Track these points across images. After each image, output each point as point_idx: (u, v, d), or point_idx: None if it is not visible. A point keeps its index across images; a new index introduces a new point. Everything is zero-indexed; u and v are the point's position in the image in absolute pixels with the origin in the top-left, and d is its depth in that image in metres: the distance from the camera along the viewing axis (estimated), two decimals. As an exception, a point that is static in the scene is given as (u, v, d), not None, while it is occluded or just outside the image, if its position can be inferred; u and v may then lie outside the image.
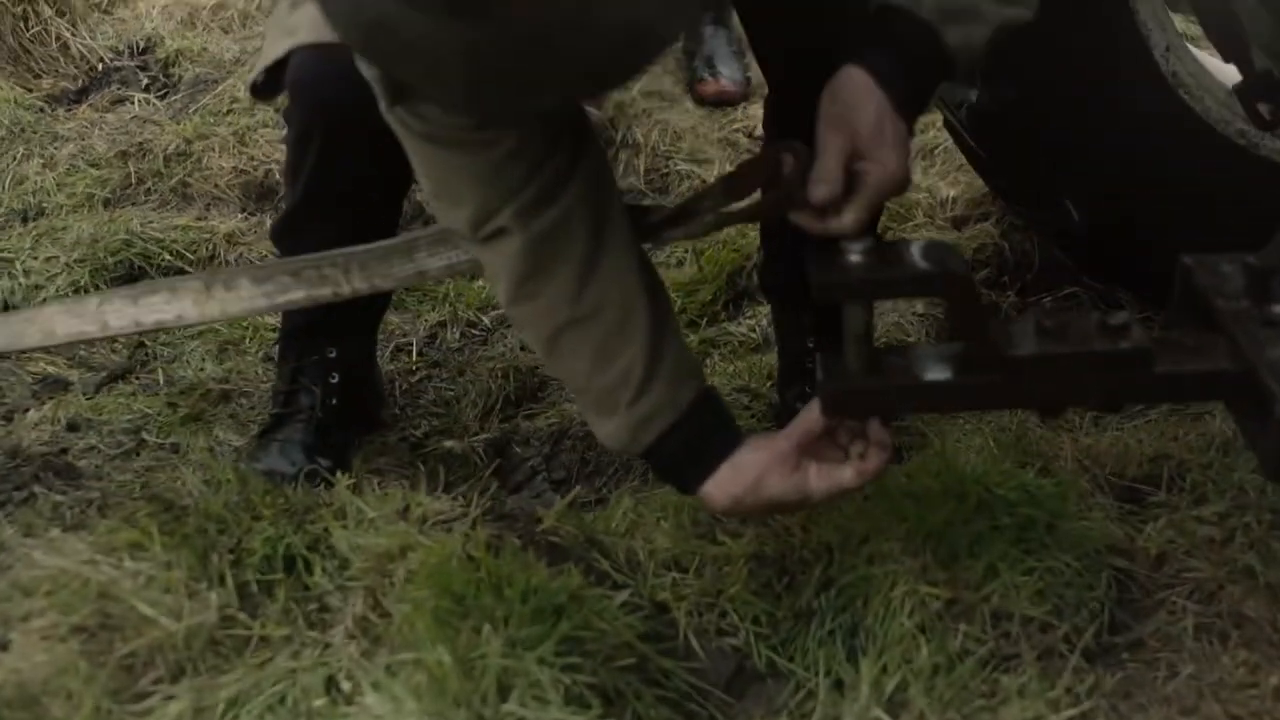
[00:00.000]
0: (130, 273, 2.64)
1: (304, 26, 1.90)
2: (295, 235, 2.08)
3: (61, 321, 1.86)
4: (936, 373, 1.61)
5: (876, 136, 1.56)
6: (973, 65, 1.64)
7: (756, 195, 1.72)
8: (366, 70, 1.52)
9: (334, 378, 2.16)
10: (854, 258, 1.56)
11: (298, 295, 1.84)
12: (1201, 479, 2.04)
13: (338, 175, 2.01)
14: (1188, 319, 1.70)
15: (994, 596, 1.76)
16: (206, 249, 2.72)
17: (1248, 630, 1.80)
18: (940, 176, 3.05)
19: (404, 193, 2.13)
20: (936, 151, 3.15)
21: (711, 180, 1.69)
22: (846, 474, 1.65)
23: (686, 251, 2.77)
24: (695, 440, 1.68)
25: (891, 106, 1.57)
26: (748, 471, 1.65)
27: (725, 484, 1.66)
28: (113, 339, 2.46)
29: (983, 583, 1.77)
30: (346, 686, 1.69)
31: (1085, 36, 2.27)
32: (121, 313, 1.83)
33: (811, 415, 1.65)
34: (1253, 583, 1.85)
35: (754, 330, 2.53)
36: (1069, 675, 1.71)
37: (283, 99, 2.03)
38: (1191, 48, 2.38)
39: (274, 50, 1.97)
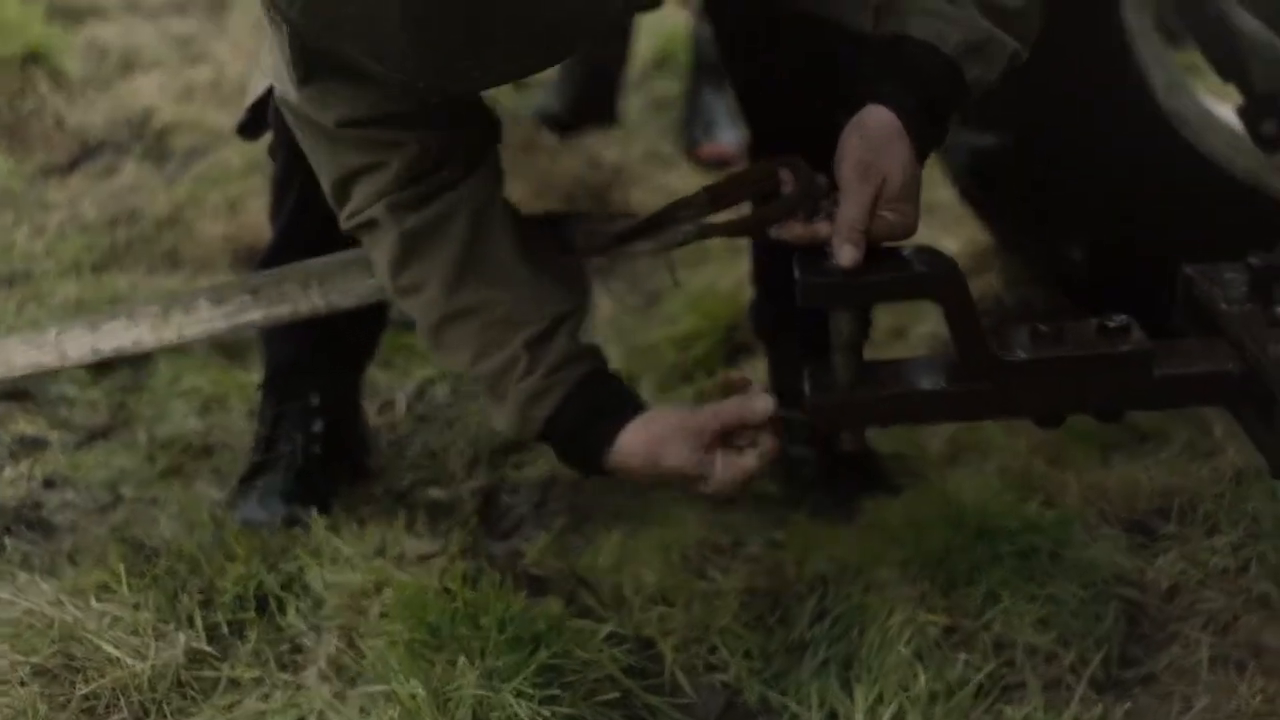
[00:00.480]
0: (116, 334, 2.60)
1: None
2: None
3: (20, 352, 1.83)
4: (930, 382, 1.54)
5: (905, 188, 1.50)
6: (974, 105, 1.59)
7: (744, 209, 1.67)
8: (279, 55, 1.50)
9: (316, 425, 2.10)
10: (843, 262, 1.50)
11: (255, 315, 1.80)
12: (1214, 510, 1.97)
13: (319, 215, 1.98)
14: (1191, 329, 1.65)
15: (995, 624, 1.68)
16: (194, 310, 2.68)
17: (1266, 659, 1.72)
18: (942, 229, 3.00)
19: None
20: (937, 205, 3.12)
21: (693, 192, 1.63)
22: (748, 458, 1.56)
23: (683, 306, 2.73)
24: (591, 410, 1.61)
25: (916, 153, 1.51)
26: (656, 428, 1.57)
27: (629, 442, 1.58)
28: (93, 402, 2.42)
29: (983, 610, 1.69)
30: (318, 727, 1.61)
31: (1083, 77, 2.24)
32: (79, 341, 1.78)
33: (750, 405, 1.56)
34: (1269, 612, 1.77)
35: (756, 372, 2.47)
36: (1076, 705, 1.63)
37: (269, 137, 2.00)
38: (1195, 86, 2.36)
39: (257, 88, 1.95)
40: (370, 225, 1.64)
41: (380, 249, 1.65)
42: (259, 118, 1.98)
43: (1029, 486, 1.98)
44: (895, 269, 1.51)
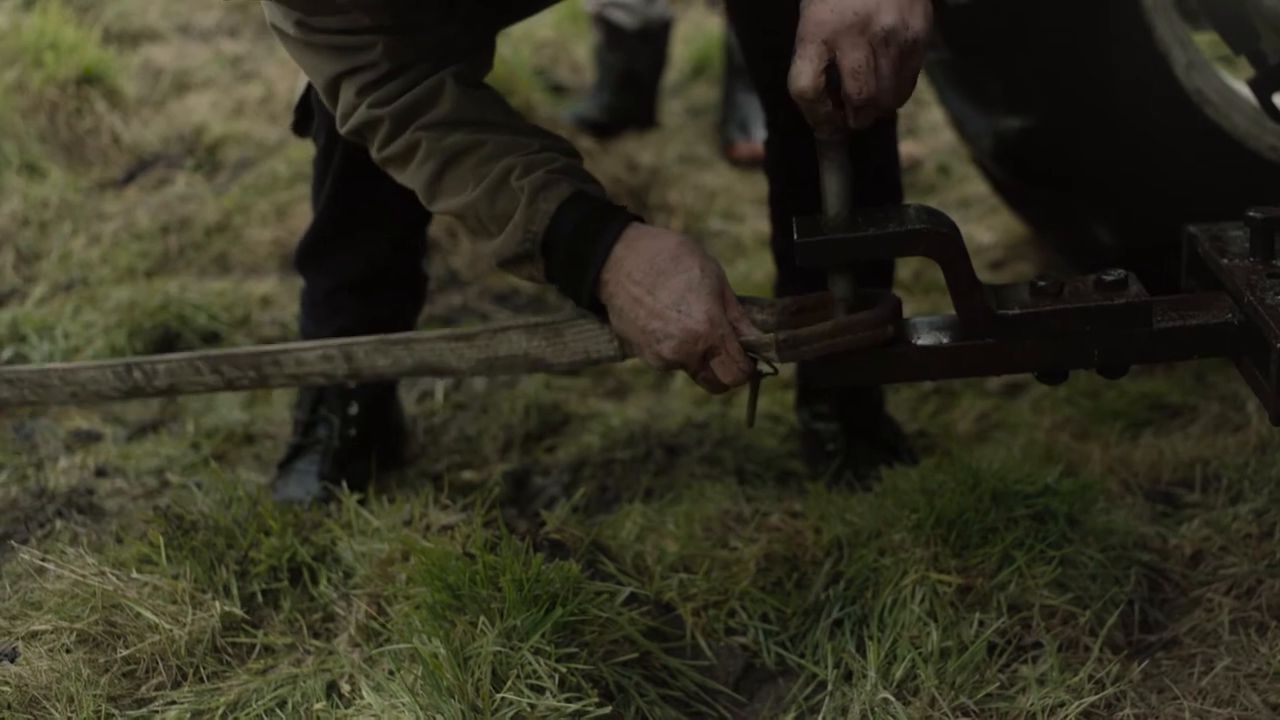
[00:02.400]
0: (166, 335, 2.68)
1: None
2: (316, 259, 2.12)
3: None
4: (931, 338, 1.57)
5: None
6: None
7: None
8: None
9: (353, 408, 2.16)
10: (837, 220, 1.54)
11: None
12: (1237, 479, 1.97)
13: (357, 195, 2.04)
14: (1195, 285, 1.66)
15: (1010, 585, 1.70)
16: (242, 310, 2.76)
17: (1288, 622, 1.72)
18: (977, 221, 3.03)
19: (425, 223, 2.16)
20: (972, 198, 3.14)
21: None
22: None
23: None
24: (595, 210, 1.62)
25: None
26: (666, 244, 1.59)
27: (636, 249, 1.59)
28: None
29: (997, 571, 1.71)
30: (346, 689, 1.66)
31: (1104, 58, 2.26)
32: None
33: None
34: (1292, 575, 1.77)
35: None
36: (1092, 664, 1.64)
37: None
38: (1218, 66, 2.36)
39: (300, 86, 2.04)
40: (362, 127, 1.71)
41: (372, 135, 1.72)
42: (306, 113, 2.06)
43: (1051, 459, 1.99)
44: (893, 225, 1.54)
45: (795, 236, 1.55)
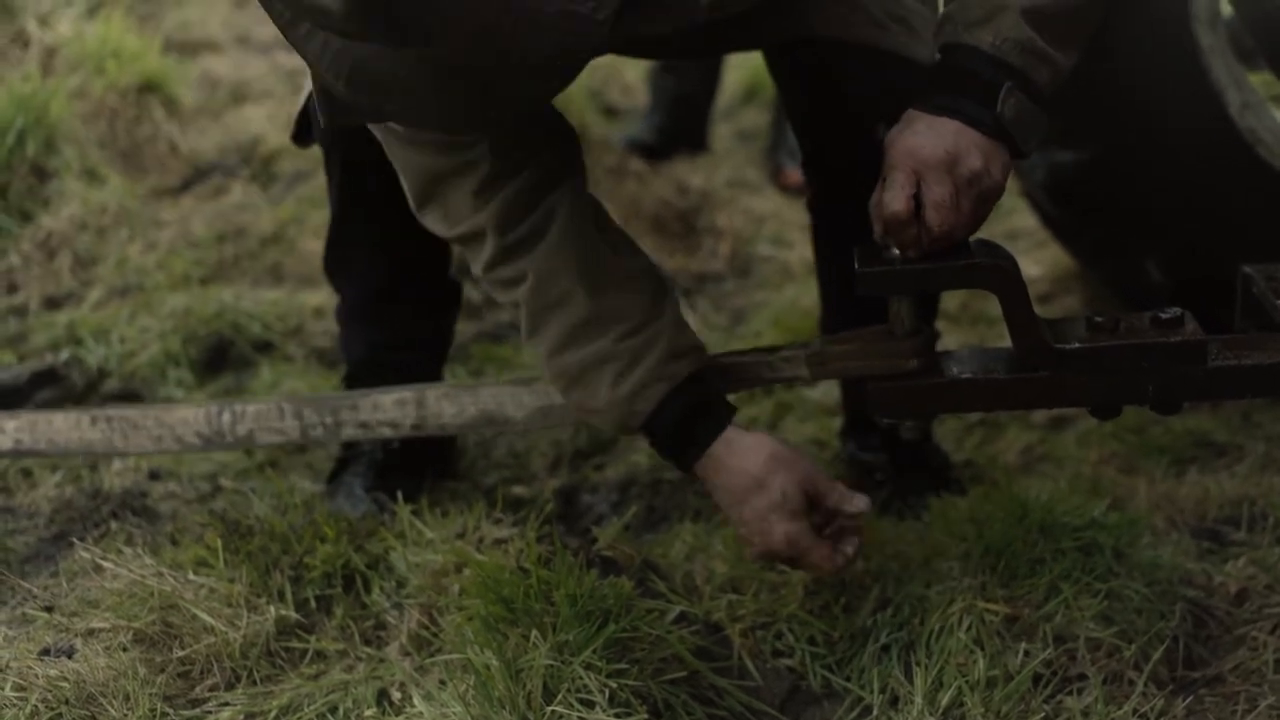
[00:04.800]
0: (220, 342, 2.71)
1: None
2: (336, 269, 2.18)
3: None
4: (984, 370, 1.59)
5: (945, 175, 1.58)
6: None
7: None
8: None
9: (396, 422, 2.19)
10: (898, 251, 1.56)
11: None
12: (1286, 518, 1.98)
13: (365, 191, 2.06)
14: (1249, 325, 1.67)
15: (1056, 616, 1.71)
16: (295, 320, 2.80)
17: (1334, 663, 1.72)
18: (1025, 255, 3.04)
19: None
20: (1020, 231, 3.15)
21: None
22: (849, 547, 1.70)
23: (766, 323, 2.79)
24: (698, 404, 1.69)
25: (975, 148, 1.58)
26: (763, 454, 1.67)
27: (736, 454, 1.67)
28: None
29: (1044, 602, 1.72)
30: (397, 697, 1.69)
31: (1158, 96, 2.27)
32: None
33: (853, 499, 1.70)
34: (1339, 616, 1.77)
35: (830, 393, 2.52)
36: (1137, 698, 1.65)
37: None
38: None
39: (301, 97, 2.07)
40: (473, 237, 1.72)
41: (478, 252, 1.73)
42: (304, 123, 2.07)
43: (1098, 492, 2.00)
44: (952, 257, 1.56)
45: (855, 265, 1.57)
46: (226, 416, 1.89)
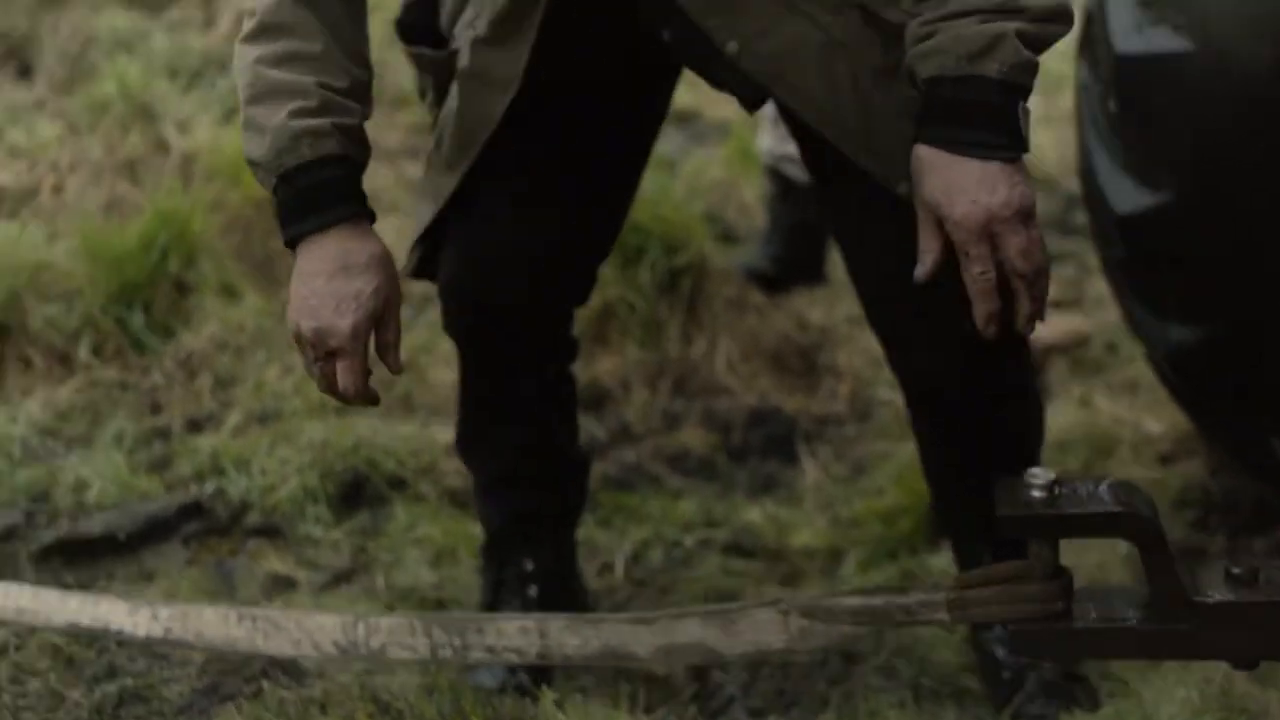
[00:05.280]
0: (356, 478, 2.80)
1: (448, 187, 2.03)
2: (465, 452, 2.30)
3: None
4: (1123, 614, 1.63)
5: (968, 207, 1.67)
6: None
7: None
8: None
9: (531, 590, 2.24)
10: (1037, 493, 1.60)
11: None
12: None
13: (487, 392, 2.21)
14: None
15: None
16: (428, 457, 2.87)
17: None
18: (1145, 410, 3.05)
19: (565, 418, 2.28)
20: (1140, 383, 3.15)
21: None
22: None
23: (888, 478, 2.82)
24: (332, 187, 1.81)
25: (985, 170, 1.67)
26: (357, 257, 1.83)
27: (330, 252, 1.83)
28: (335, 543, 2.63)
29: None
30: None
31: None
32: None
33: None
34: None
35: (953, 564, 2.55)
36: None
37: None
38: None
39: (422, 219, 2.15)
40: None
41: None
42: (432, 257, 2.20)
43: (1230, 707, 2.02)
44: (1088, 505, 1.60)
45: (995, 509, 1.62)
46: (361, 629, 1.96)
